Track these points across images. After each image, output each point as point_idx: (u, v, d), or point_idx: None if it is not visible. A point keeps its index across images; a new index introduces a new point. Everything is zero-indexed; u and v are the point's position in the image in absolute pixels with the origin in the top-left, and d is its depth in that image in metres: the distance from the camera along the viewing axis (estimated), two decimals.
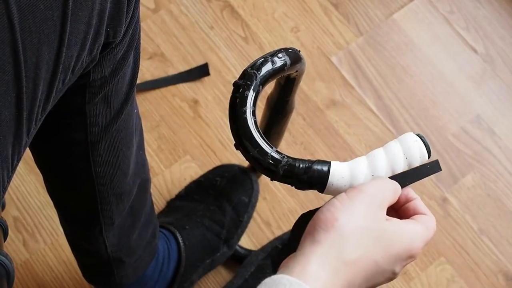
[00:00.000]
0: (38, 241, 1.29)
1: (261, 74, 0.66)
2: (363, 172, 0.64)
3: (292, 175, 0.64)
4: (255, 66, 0.66)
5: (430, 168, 0.64)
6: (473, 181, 1.38)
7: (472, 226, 1.35)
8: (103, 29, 0.67)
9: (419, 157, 0.64)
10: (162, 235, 1.17)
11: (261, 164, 0.63)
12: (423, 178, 0.64)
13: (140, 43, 0.78)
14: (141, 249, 1.06)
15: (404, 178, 0.64)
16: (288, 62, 0.69)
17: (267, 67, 0.67)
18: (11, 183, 1.31)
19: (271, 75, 0.67)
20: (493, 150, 1.41)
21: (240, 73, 0.67)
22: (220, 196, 1.26)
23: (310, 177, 0.63)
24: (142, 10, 1.46)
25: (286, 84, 0.87)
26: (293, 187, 0.65)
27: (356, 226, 0.56)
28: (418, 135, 0.65)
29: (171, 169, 1.35)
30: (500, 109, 1.44)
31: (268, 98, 0.98)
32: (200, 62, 1.43)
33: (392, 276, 0.59)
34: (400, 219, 0.62)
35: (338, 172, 0.64)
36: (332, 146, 1.38)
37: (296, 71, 0.75)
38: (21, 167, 1.32)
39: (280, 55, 0.68)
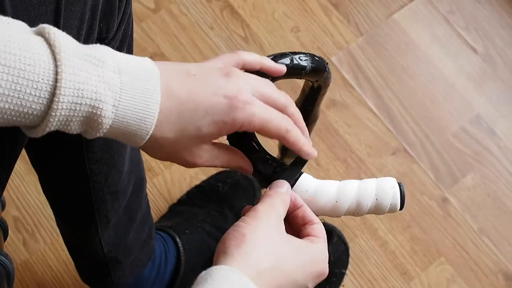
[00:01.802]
0: (38, 241, 1.29)
1: None
2: (328, 195, 0.63)
3: (259, 170, 0.63)
4: (273, 58, 0.65)
5: (301, 161, 0.64)
6: (473, 181, 1.38)
7: (472, 226, 1.35)
8: (96, 24, 0.67)
9: (390, 203, 0.63)
10: (159, 237, 1.16)
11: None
12: (299, 171, 0.64)
13: (132, 39, 0.78)
14: (138, 249, 1.05)
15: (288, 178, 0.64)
16: (309, 67, 0.67)
17: (285, 62, 0.66)
18: (11, 183, 1.31)
19: (286, 72, 0.66)
20: (493, 150, 1.40)
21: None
22: (222, 202, 1.26)
23: (276, 179, 0.63)
24: (142, 10, 1.47)
25: (311, 93, 0.86)
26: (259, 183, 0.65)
27: (263, 236, 0.58)
28: (399, 183, 0.64)
29: (171, 169, 1.35)
30: (500, 109, 1.44)
31: None
32: (200, 62, 1.43)
33: None
34: (291, 225, 0.64)
35: (305, 184, 0.64)
36: (332, 146, 1.38)
37: (317, 80, 0.74)
38: (21, 167, 1.32)
39: (303, 57, 0.67)
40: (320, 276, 0.61)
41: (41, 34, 0.52)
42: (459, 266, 1.32)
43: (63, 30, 0.62)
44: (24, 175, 1.32)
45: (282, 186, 0.63)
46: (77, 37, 0.65)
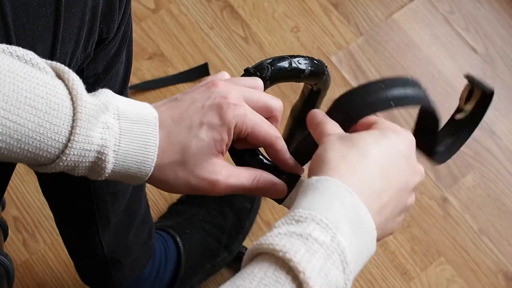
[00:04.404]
0: (38, 241, 1.29)
1: (273, 69, 0.65)
2: None
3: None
4: (271, 61, 0.65)
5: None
6: (473, 181, 1.38)
7: (472, 226, 1.35)
8: (97, 25, 0.67)
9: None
10: (160, 236, 1.16)
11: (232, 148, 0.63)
12: (299, 176, 0.62)
13: (132, 40, 0.78)
14: (138, 249, 1.05)
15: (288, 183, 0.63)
16: (308, 70, 0.67)
17: (283, 65, 0.65)
18: (11, 183, 1.31)
19: (284, 75, 0.66)
20: (493, 150, 1.40)
21: (242, 72, 0.66)
22: (222, 201, 1.26)
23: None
24: (142, 10, 1.47)
25: (310, 96, 0.86)
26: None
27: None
28: None
29: None
30: (500, 109, 1.44)
31: (292, 108, 0.98)
32: (200, 62, 1.43)
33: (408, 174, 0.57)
34: None
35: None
36: None
37: (316, 84, 0.74)
38: (20, 167, 1.32)
39: (302, 60, 0.67)
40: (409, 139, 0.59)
41: (59, 76, 0.53)
42: (459, 266, 1.32)
43: (63, 32, 0.62)
44: (24, 175, 1.32)
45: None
46: (78, 38, 0.65)
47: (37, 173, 0.91)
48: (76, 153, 0.52)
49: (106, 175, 0.55)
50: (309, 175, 0.56)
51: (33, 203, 1.31)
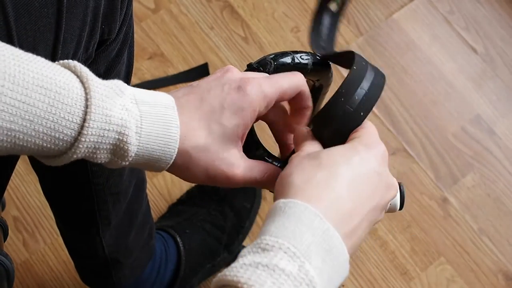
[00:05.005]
0: (38, 241, 1.29)
1: (276, 64, 0.65)
2: None
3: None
4: (274, 57, 0.66)
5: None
6: (473, 181, 1.38)
7: (472, 226, 1.35)
8: (98, 26, 0.67)
9: (390, 203, 0.62)
10: (160, 236, 1.17)
11: None
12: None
13: (133, 40, 0.78)
14: (138, 249, 1.05)
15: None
16: (310, 65, 0.67)
17: (286, 60, 0.66)
18: (11, 183, 1.31)
19: (287, 70, 0.65)
20: (493, 150, 1.41)
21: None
22: (222, 201, 1.26)
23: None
24: (142, 10, 1.47)
25: (312, 93, 0.86)
26: None
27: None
28: (399, 183, 0.62)
29: None
30: (500, 109, 1.44)
31: None
32: (200, 62, 1.43)
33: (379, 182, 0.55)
34: None
35: None
36: None
37: (318, 79, 0.75)
38: (21, 167, 1.32)
39: (304, 55, 0.67)
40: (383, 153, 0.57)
41: (65, 67, 0.53)
42: (459, 266, 1.32)
43: (65, 32, 0.63)
44: (24, 175, 1.32)
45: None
46: (79, 39, 0.65)
47: (38, 174, 0.91)
48: (94, 132, 0.51)
49: (130, 158, 0.54)
50: (275, 198, 0.55)
51: (33, 203, 1.31)
